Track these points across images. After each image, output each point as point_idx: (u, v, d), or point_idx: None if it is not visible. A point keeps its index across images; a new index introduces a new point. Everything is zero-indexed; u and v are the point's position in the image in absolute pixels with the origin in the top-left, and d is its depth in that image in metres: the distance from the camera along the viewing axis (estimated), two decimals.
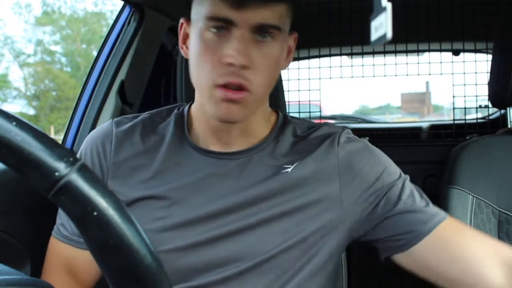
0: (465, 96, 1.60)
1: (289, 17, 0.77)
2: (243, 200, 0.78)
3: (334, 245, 0.81)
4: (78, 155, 0.85)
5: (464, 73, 1.60)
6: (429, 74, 1.67)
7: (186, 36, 0.81)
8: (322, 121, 2.31)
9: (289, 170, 0.80)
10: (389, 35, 0.36)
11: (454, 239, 0.77)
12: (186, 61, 1.20)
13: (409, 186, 0.82)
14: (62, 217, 0.84)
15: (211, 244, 0.77)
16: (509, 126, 1.23)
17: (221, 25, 0.72)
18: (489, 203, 1.01)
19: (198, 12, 0.75)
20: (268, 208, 0.77)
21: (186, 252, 0.77)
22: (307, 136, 0.84)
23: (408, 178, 0.84)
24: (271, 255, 0.77)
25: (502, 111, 1.99)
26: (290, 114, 1.07)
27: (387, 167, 0.83)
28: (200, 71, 0.75)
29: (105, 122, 0.90)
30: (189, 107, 0.87)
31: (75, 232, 0.81)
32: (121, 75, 1.39)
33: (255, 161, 0.81)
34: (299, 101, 1.72)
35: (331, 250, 0.81)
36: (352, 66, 1.74)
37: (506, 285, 0.73)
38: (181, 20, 0.81)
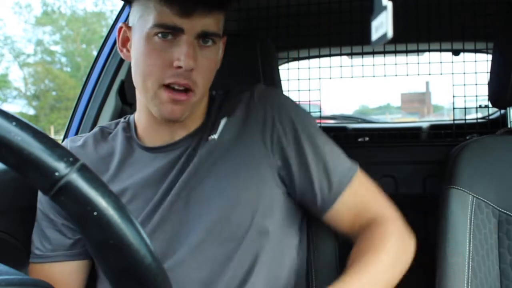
0: (465, 96, 1.59)
1: (223, 22, 0.84)
2: (183, 182, 0.83)
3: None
4: None
5: (464, 73, 1.59)
6: (429, 74, 1.67)
7: (126, 40, 0.86)
8: (322, 121, 2.31)
9: (215, 137, 0.86)
10: (390, 34, 0.36)
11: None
12: None
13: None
14: (35, 242, 0.89)
15: (167, 228, 0.82)
16: (509, 126, 1.23)
17: (169, 32, 0.78)
18: (489, 203, 1.01)
19: (143, 18, 0.80)
20: (203, 178, 0.83)
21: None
22: (224, 101, 0.90)
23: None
24: (218, 218, 0.81)
25: (502, 111, 1.99)
26: None
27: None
28: (146, 72, 0.80)
29: (107, 121, 0.93)
30: (134, 116, 0.93)
31: (48, 248, 0.86)
32: (121, 75, 1.39)
33: (193, 146, 0.86)
34: (299, 101, 1.72)
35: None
36: (352, 66, 1.74)
37: None
38: (121, 24, 0.87)
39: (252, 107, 0.87)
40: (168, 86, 0.79)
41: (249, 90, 0.90)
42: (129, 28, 0.85)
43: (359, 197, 0.86)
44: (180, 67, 0.77)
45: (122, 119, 0.96)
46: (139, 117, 0.90)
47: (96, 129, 0.96)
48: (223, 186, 0.83)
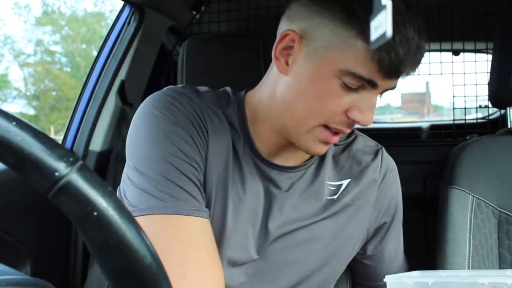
0: (465, 96, 1.59)
1: None
2: (292, 218, 0.79)
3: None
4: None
5: (464, 73, 1.59)
6: (429, 74, 1.67)
7: (289, 49, 0.72)
8: None
9: (335, 197, 0.82)
10: (389, 33, 0.36)
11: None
12: (186, 61, 1.20)
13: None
14: None
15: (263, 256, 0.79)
16: (509, 126, 1.23)
17: (359, 83, 0.68)
18: (489, 203, 1.01)
19: (335, 50, 0.67)
20: (312, 230, 0.80)
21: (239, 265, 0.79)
22: (345, 148, 0.86)
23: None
24: (310, 271, 0.81)
25: (502, 111, 1.99)
26: None
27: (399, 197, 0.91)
28: (313, 110, 0.70)
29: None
30: (243, 100, 0.81)
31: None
32: (121, 75, 1.39)
33: (305, 178, 0.81)
34: None
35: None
36: None
37: None
38: (291, 34, 0.71)
39: (379, 183, 0.86)
40: (326, 126, 0.71)
41: (377, 153, 0.87)
42: (300, 40, 0.70)
43: None
44: (357, 121, 0.70)
45: (232, 96, 0.81)
46: (256, 118, 0.78)
47: (209, 94, 0.80)
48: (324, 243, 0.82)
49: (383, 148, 0.89)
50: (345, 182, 0.83)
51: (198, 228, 0.69)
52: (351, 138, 0.88)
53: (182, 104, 0.74)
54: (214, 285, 0.68)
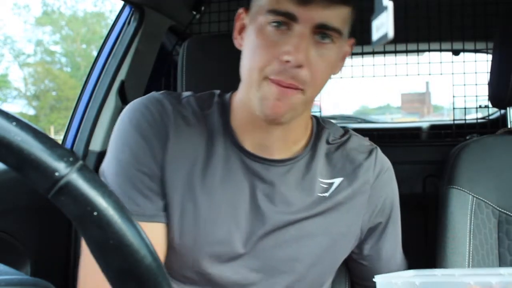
0: (465, 96, 1.59)
1: (350, 22, 0.76)
2: (280, 212, 0.80)
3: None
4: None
5: (464, 73, 1.59)
6: (429, 74, 1.67)
7: (243, 27, 0.78)
8: None
9: (326, 195, 0.82)
10: (391, 34, 0.36)
11: None
12: (186, 61, 1.20)
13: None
14: None
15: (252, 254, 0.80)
16: (509, 126, 1.23)
17: (283, 20, 0.70)
18: (489, 203, 1.01)
19: (260, 4, 0.73)
20: (303, 227, 0.81)
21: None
22: (339, 147, 0.86)
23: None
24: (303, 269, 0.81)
25: (502, 111, 1.99)
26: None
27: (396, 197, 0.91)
28: (253, 63, 0.72)
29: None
30: (229, 99, 0.84)
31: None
32: (121, 75, 1.39)
33: (293, 172, 0.81)
34: None
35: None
36: (352, 66, 1.74)
37: None
38: (240, 10, 0.79)
39: (372, 182, 0.85)
40: (274, 80, 0.71)
41: (371, 152, 0.86)
42: (247, 14, 0.78)
43: None
44: (287, 61, 0.68)
45: (216, 97, 0.84)
46: (237, 110, 0.81)
47: (191, 98, 0.83)
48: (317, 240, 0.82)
49: (378, 148, 0.89)
50: (338, 181, 0.83)
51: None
52: (345, 137, 0.87)
53: (151, 112, 0.77)
54: None
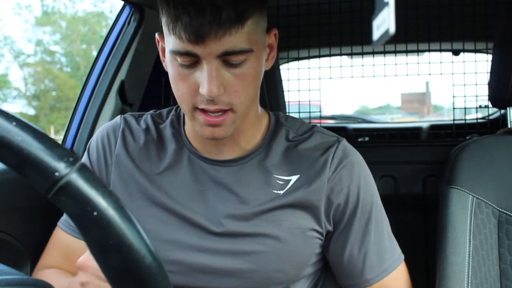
0: (465, 96, 1.59)
1: (261, 25, 0.75)
2: (237, 214, 0.81)
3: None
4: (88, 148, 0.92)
5: (464, 73, 1.59)
6: (429, 74, 1.67)
7: (163, 50, 0.78)
8: (322, 121, 2.31)
9: (281, 193, 0.82)
10: (392, 30, 0.36)
11: None
12: None
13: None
14: None
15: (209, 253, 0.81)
16: (509, 126, 1.23)
17: (187, 60, 0.71)
18: (489, 203, 1.01)
19: (166, 41, 0.74)
20: (257, 225, 0.81)
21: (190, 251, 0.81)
22: (299, 144, 0.85)
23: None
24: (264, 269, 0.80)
25: (502, 111, 1.99)
26: (290, 114, 1.07)
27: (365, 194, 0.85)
28: (179, 94, 0.75)
29: (107, 122, 0.93)
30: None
31: None
32: (121, 75, 1.39)
33: (246, 170, 0.83)
34: (299, 101, 1.72)
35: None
36: (352, 66, 1.74)
37: None
38: (157, 37, 0.80)
39: (329, 177, 0.82)
40: (202, 110, 0.73)
41: (330, 147, 0.83)
42: (162, 39, 0.78)
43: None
44: (203, 95, 0.71)
45: (173, 111, 0.91)
46: (187, 123, 0.87)
47: (149, 116, 0.91)
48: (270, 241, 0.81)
49: (342, 142, 0.85)
50: (294, 178, 0.82)
51: (58, 236, 0.88)
52: (307, 134, 0.86)
53: (102, 135, 0.89)
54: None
